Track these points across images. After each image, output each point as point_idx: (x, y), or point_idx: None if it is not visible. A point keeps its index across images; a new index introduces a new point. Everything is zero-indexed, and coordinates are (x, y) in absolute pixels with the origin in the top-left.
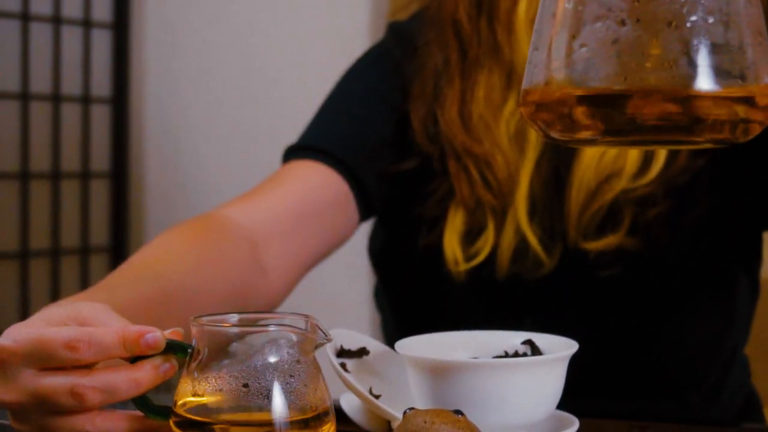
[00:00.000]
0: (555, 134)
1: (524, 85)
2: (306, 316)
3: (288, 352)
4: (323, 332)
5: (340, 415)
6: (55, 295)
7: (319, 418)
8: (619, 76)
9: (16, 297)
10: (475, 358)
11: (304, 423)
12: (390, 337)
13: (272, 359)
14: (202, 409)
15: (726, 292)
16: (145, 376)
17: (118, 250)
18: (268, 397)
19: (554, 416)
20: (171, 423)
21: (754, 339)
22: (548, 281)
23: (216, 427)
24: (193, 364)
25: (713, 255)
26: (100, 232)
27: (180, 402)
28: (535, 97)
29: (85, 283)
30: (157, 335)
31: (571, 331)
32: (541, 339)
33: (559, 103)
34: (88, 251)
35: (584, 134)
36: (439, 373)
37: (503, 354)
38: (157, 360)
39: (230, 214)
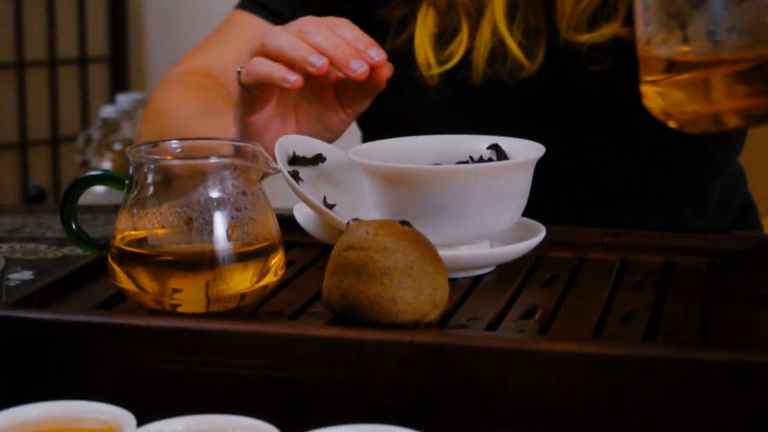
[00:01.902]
0: None
1: None
2: (252, 143)
3: (232, 184)
4: (270, 161)
5: (294, 226)
6: (54, 106)
7: (267, 250)
8: None
9: (14, 107)
10: (436, 164)
11: (250, 255)
12: None
13: (215, 193)
14: (142, 242)
15: None
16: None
17: (117, 60)
18: (212, 231)
19: (520, 224)
20: (109, 257)
21: (752, 147)
22: (531, 84)
23: (157, 260)
24: (132, 197)
25: None
26: (98, 42)
27: (119, 236)
28: None
29: (84, 93)
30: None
31: (558, 137)
32: (507, 143)
33: None
34: (87, 61)
35: None
36: (394, 181)
37: (467, 160)
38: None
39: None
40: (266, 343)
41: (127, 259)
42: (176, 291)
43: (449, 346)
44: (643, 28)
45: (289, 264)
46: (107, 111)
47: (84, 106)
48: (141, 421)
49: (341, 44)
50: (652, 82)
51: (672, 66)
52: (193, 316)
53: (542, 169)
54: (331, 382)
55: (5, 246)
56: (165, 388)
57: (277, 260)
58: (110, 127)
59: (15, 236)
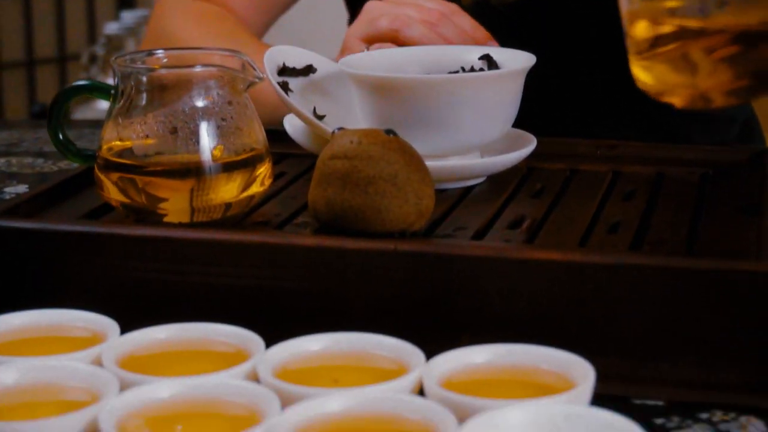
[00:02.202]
0: None
1: None
2: (236, 52)
3: (218, 93)
4: (255, 70)
5: (285, 138)
6: (60, 24)
7: (253, 160)
8: None
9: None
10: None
11: (236, 165)
12: None
13: (201, 102)
14: (128, 153)
15: None
16: None
17: None
18: (198, 141)
19: (511, 135)
20: (96, 168)
21: None
22: (519, 7)
23: (143, 170)
24: (117, 108)
25: None
26: None
27: (105, 147)
28: None
29: (90, 11)
30: None
31: (548, 58)
32: (498, 53)
33: None
34: None
35: None
36: (384, 91)
37: (458, 71)
38: None
39: None
40: (250, 252)
41: (113, 169)
42: (161, 201)
43: (433, 255)
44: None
45: (279, 175)
46: (111, 28)
47: (90, 24)
48: (125, 330)
49: (467, 39)
50: (638, 55)
51: (657, 40)
52: (179, 225)
53: (532, 89)
54: (314, 291)
55: (3, 160)
56: (149, 297)
57: (263, 170)
58: (114, 44)
59: (12, 150)
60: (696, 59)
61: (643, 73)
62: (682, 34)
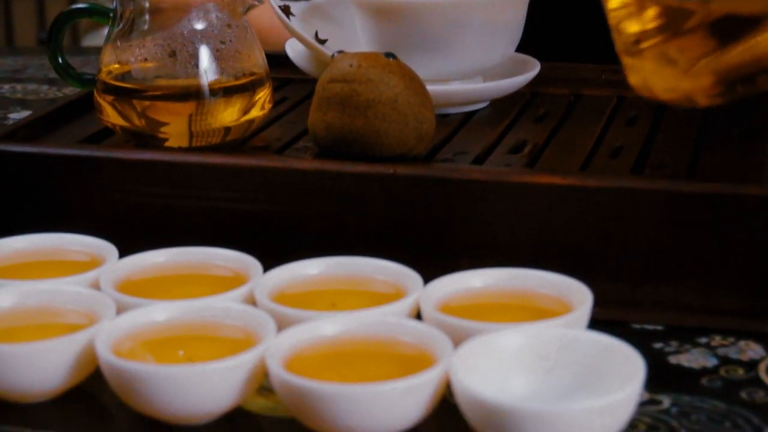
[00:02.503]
0: None
1: None
2: None
3: (216, 16)
4: None
5: (287, 63)
6: None
7: (252, 85)
8: None
9: None
10: None
11: (235, 89)
12: None
13: (199, 25)
14: (127, 76)
15: None
16: None
17: None
18: (196, 64)
19: (514, 60)
20: (95, 92)
21: None
22: None
23: (141, 93)
24: (116, 31)
25: None
26: None
27: (105, 70)
28: None
29: None
30: None
31: None
32: None
33: None
34: None
35: None
36: (386, 14)
37: None
38: None
39: None
40: (249, 176)
41: (112, 93)
42: (161, 124)
43: (432, 178)
44: None
45: (280, 101)
46: None
47: None
48: (123, 254)
49: None
50: (624, 53)
51: (642, 35)
52: (178, 149)
53: (537, 12)
54: (313, 215)
55: (8, 86)
56: (148, 221)
57: (263, 95)
58: None
59: (18, 77)
60: (676, 58)
61: (630, 73)
62: (664, 27)
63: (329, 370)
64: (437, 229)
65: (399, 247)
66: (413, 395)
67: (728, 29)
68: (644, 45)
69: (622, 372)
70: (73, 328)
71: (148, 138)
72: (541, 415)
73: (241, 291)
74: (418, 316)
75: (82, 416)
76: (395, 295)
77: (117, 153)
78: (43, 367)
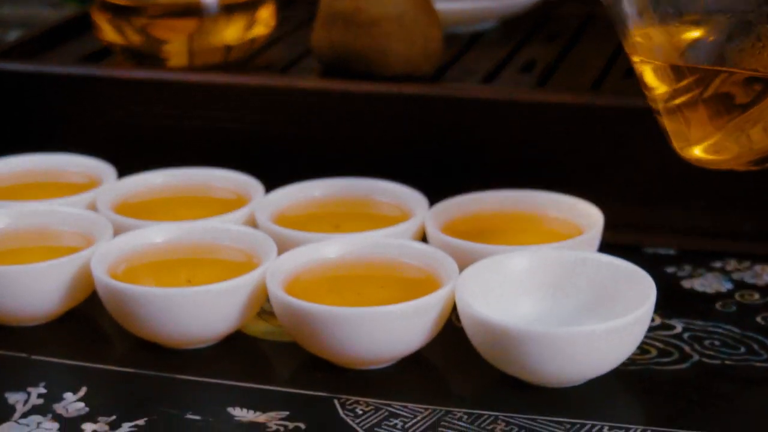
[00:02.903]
0: None
1: None
2: None
3: None
4: None
5: None
6: None
7: (256, 1)
8: None
9: None
10: None
11: (237, 6)
12: None
13: None
14: None
15: None
16: None
17: None
18: None
19: None
20: (93, 10)
21: None
22: None
23: (142, 11)
24: None
25: None
26: None
27: None
28: None
29: None
30: None
31: None
32: None
33: None
34: None
35: None
36: None
37: None
38: None
39: None
40: (252, 95)
41: (110, 10)
42: (161, 43)
43: (439, 98)
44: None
45: (285, 19)
46: None
47: None
48: (122, 175)
49: None
50: (652, 103)
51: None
52: (180, 69)
53: None
54: (317, 135)
55: (7, 7)
56: (148, 142)
57: (266, 13)
58: None
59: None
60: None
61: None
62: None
63: (330, 293)
64: (444, 149)
65: (405, 168)
66: (416, 319)
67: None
68: (677, 102)
69: (632, 295)
70: (70, 251)
71: (147, 57)
72: (546, 337)
73: (242, 212)
74: (424, 239)
75: (79, 340)
76: (400, 217)
77: (116, 72)
78: (38, 290)
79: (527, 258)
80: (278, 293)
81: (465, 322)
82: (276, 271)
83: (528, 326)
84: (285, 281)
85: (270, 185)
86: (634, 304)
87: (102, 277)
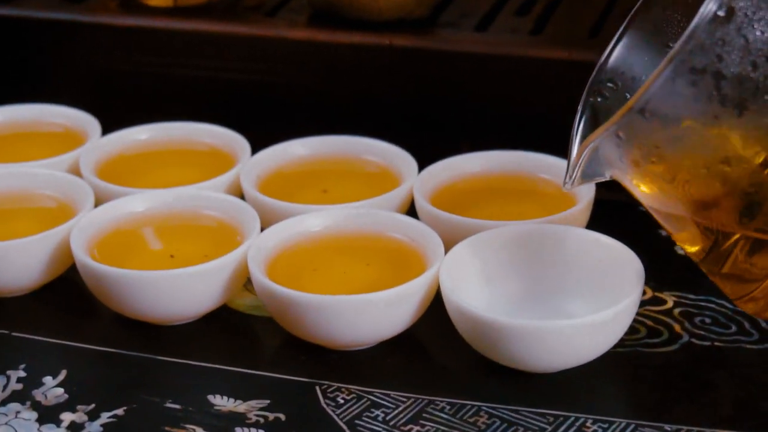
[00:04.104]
0: None
1: None
2: None
3: None
4: None
5: None
6: None
7: None
8: None
9: None
10: None
11: None
12: None
13: None
14: None
15: None
16: None
17: None
18: None
19: None
20: None
21: None
22: None
23: None
24: None
25: None
26: None
27: None
28: None
29: None
30: None
31: None
32: None
33: None
34: None
35: None
36: None
37: None
38: None
39: None
40: (238, 44)
41: None
42: None
43: (431, 51)
44: None
45: None
46: None
47: None
48: (105, 126)
49: None
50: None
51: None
52: (166, 12)
53: None
54: (304, 88)
55: None
56: (131, 91)
57: None
58: None
59: None
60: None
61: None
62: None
63: (316, 273)
64: (435, 106)
65: (395, 125)
66: (400, 304)
67: None
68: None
69: (621, 274)
70: (48, 214)
71: None
72: (530, 329)
73: (228, 176)
74: (413, 204)
75: (61, 311)
76: (389, 179)
77: (98, 17)
78: (20, 264)
79: (513, 235)
80: (260, 278)
81: (449, 308)
82: (259, 249)
83: (512, 320)
84: (268, 259)
85: (255, 138)
86: (622, 285)
87: (82, 257)
